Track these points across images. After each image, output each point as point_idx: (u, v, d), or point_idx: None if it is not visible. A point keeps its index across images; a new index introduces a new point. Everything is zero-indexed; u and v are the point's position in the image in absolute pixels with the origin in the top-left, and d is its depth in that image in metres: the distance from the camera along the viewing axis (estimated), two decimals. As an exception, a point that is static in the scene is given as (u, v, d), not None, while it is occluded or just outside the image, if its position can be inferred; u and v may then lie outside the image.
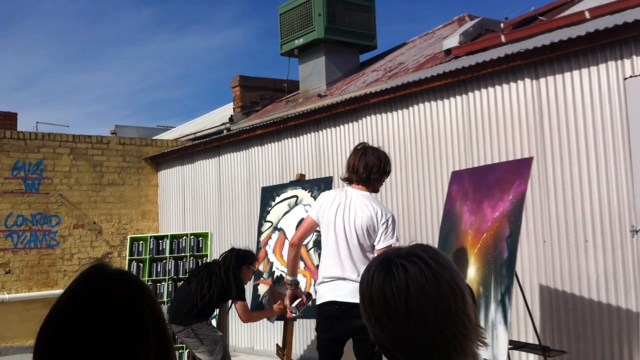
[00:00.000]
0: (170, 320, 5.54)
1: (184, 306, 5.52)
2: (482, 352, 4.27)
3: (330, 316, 4.22)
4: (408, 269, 1.24)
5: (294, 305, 4.85)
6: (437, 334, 1.21)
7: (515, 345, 4.77)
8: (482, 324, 4.22)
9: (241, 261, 5.71)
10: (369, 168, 4.17)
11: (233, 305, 5.70)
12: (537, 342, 4.69)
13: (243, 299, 5.60)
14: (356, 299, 4.09)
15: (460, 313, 1.23)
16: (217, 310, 6.47)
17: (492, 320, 4.19)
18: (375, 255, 4.05)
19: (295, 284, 4.78)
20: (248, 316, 5.71)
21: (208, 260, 8.50)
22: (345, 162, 4.42)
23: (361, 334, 4.04)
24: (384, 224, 4.10)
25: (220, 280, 5.56)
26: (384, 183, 4.40)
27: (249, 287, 5.95)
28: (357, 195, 4.23)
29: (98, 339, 1.07)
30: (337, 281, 4.18)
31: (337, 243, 4.21)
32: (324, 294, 4.26)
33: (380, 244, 4.10)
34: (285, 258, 6.17)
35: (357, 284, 4.24)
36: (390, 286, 1.23)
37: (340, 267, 4.17)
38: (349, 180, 4.30)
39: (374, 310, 1.26)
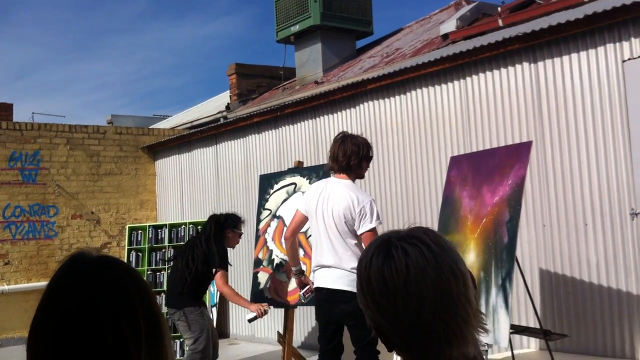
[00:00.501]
0: (165, 304, 5.52)
1: (175, 287, 5.48)
2: (484, 337, 4.29)
3: (320, 300, 4.50)
4: (408, 251, 1.21)
5: (302, 292, 4.93)
6: (437, 317, 1.18)
7: (517, 329, 4.78)
8: (483, 309, 4.23)
9: (222, 226, 5.56)
10: (347, 155, 4.33)
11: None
12: (538, 326, 4.70)
13: (223, 266, 5.40)
14: (338, 286, 4.30)
15: (461, 297, 1.20)
16: (212, 288, 6.28)
17: (493, 305, 4.19)
18: (357, 241, 4.24)
19: (301, 272, 4.93)
20: (224, 288, 5.45)
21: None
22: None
23: (351, 318, 4.20)
24: (360, 210, 4.24)
25: (202, 250, 5.41)
26: (368, 169, 4.55)
27: (247, 275, 5.92)
28: (336, 184, 4.41)
29: (85, 327, 1.04)
30: (322, 269, 4.43)
31: (319, 233, 4.42)
32: (315, 281, 4.54)
33: (360, 230, 4.25)
34: (284, 246, 6.17)
35: (340, 271, 4.33)
36: (389, 268, 1.20)
37: (323, 256, 4.41)
38: (331, 169, 4.48)
39: (372, 292, 1.23)
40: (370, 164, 6.97)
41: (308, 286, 4.91)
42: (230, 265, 5.68)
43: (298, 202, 5.07)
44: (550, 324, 5.24)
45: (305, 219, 4.64)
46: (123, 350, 1.05)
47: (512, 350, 4.61)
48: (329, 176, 5.56)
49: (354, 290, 4.65)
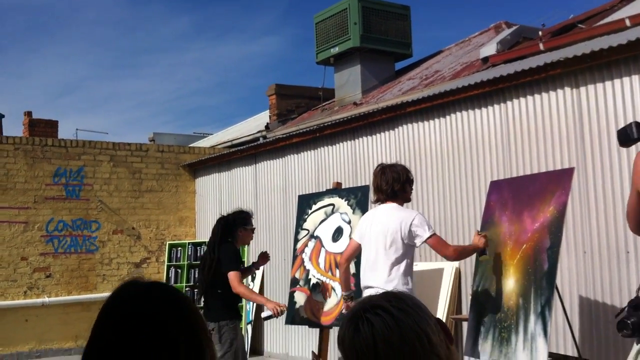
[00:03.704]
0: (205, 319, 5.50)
1: (206, 301, 5.50)
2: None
3: None
4: (373, 323, 1.31)
5: None
6: None
7: (555, 357, 4.73)
8: (521, 336, 4.20)
9: (231, 227, 5.48)
10: (390, 184, 4.61)
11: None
12: (576, 355, 4.63)
13: (233, 268, 5.30)
14: None
15: (428, 354, 1.30)
16: (248, 306, 6.18)
17: (531, 332, 4.16)
18: (405, 260, 4.47)
19: (350, 297, 5.10)
20: (239, 288, 5.35)
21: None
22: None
23: None
24: (411, 225, 4.50)
25: (215, 258, 5.35)
26: (412, 191, 4.84)
27: (284, 295, 5.93)
28: (383, 209, 4.67)
29: (128, 351, 1.15)
30: (368, 289, 4.61)
31: (369, 254, 4.69)
32: None
33: (418, 242, 4.53)
34: (321, 266, 6.20)
35: (383, 289, 4.38)
36: (359, 342, 1.31)
37: (368, 277, 4.64)
38: (377, 200, 4.74)
39: None
40: (410, 186, 7.01)
41: None
42: (242, 263, 5.63)
43: (353, 231, 5.40)
44: (589, 353, 5.16)
45: (358, 247, 4.87)
46: None
47: (550, 378, 4.55)
48: (368, 197, 5.66)
49: None
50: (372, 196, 4.88)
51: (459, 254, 4.73)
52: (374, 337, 1.31)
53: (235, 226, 5.53)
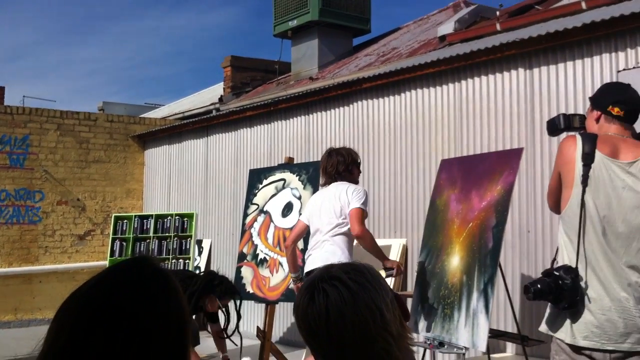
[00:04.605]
0: None
1: None
2: (463, 340, 4.22)
3: None
4: (329, 294, 1.31)
5: None
6: (358, 354, 1.29)
7: (495, 333, 4.77)
8: (463, 312, 4.20)
9: (208, 290, 5.33)
10: (334, 166, 4.70)
11: None
12: (516, 332, 4.68)
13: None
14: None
15: (380, 331, 1.30)
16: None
17: (473, 309, 4.17)
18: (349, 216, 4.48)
19: (300, 278, 5.04)
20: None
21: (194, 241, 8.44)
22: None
23: None
24: (352, 192, 4.55)
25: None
26: (360, 173, 4.86)
27: (231, 269, 5.85)
28: (331, 188, 4.72)
29: (97, 326, 1.03)
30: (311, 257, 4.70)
31: (314, 228, 4.73)
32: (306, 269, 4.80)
33: (350, 206, 4.49)
34: (270, 241, 6.13)
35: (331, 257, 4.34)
36: (312, 312, 1.32)
37: (316, 257, 4.63)
38: (325, 183, 4.81)
39: (303, 334, 1.36)
40: (362, 162, 6.95)
41: None
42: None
43: (303, 206, 5.46)
44: (528, 330, 5.21)
45: (306, 228, 4.87)
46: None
47: (489, 354, 4.60)
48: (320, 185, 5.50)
49: None
50: (320, 179, 4.93)
51: (369, 239, 4.45)
52: (328, 308, 1.30)
53: (210, 291, 5.33)
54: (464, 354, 4.49)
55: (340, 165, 4.69)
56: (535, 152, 5.51)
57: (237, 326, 5.40)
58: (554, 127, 3.05)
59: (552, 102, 5.47)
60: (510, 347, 5.48)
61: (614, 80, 5.03)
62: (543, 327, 2.80)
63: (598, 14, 5.31)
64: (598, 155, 2.68)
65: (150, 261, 1.14)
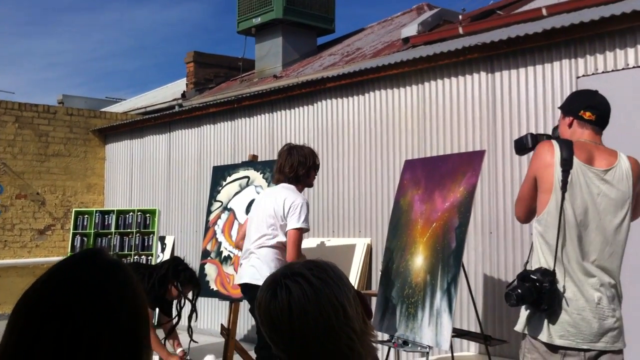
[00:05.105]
0: None
1: None
2: (426, 339, 4.29)
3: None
4: (291, 290, 1.32)
5: None
6: (321, 350, 1.30)
7: (458, 333, 4.86)
8: (427, 311, 4.29)
9: (174, 275, 5.32)
10: (294, 167, 4.42)
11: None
12: (479, 331, 4.78)
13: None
14: (249, 280, 4.37)
15: (343, 327, 1.31)
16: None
17: (437, 308, 4.25)
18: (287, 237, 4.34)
19: None
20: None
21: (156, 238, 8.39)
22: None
23: None
24: (290, 207, 4.32)
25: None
26: (316, 176, 4.64)
27: (194, 265, 5.83)
28: (278, 188, 4.50)
29: (51, 319, 1.00)
30: (243, 262, 4.60)
31: (250, 227, 4.57)
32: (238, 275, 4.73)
33: (287, 227, 4.33)
34: (234, 239, 6.14)
35: (254, 267, 4.27)
36: (275, 307, 1.32)
37: (248, 251, 4.52)
38: (278, 181, 4.54)
39: (266, 330, 1.36)
40: (325, 163, 7.02)
41: None
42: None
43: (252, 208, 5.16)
44: (491, 330, 5.34)
45: None
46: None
47: (452, 353, 4.69)
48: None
49: (255, 283, 4.60)
50: (274, 175, 4.66)
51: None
52: (290, 304, 1.31)
53: (175, 277, 5.30)
54: (427, 353, 4.57)
55: (301, 168, 4.43)
56: (497, 154, 5.65)
57: (190, 320, 5.36)
58: (522, 146, 3.08)
59: (513, 106, 5.60)
60: (474, 347, 5.60)
61: (574, 86, 5.19)
62: (519, 327, 2.86)
63: (558, 21, 5.46)
64: (575, 161, 2.75)
65: (100, 253, 1.11)
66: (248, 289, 4.47)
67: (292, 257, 4.26)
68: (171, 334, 5.56)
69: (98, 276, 1.06)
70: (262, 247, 4.40)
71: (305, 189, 4.68)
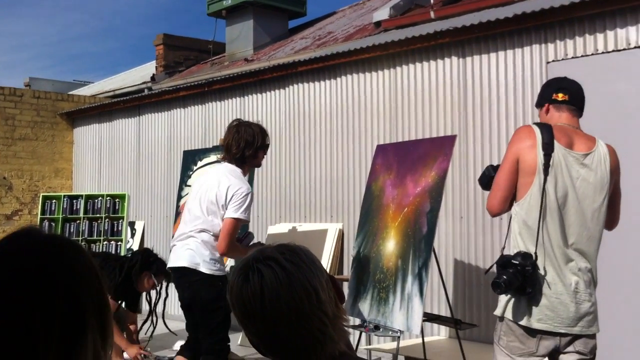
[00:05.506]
0: None
1: None
2: (398, 323, 4.30)
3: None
4: (264, 274, 1.31)
5: None
6: (294, 333, 1.30)
7: (429, 317, 4.89)
8: (398, 296, 4.31)
9: (146, 267, 5.29)
10: (241, 148, 4.13)
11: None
12: (449, 315, 4.82)
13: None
14: (181, 263, 4.08)
15: (315, 311, 1.31)
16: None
17: (408, 293, 4.27)
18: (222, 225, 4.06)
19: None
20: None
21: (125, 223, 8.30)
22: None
23: (196, 302, 4.16)
24: (233, 195, 4.04)
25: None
26: (265, 157, 4.35)
27: (165, 251, 5.77)
28: (222, 169, 4.19)
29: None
30: (175, 245, 4.25)
31: (190, 212, 4.21)
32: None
33: (225, 215, 4.05)
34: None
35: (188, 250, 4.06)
36: (247, 292, 1.31)
37: (182, 254, 4.16)
38: (224, 160, 4.24)
39: (238, 315, 1.35)
40: (298, 146, 7.00)
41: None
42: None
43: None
44: (461, 314, 5.39)
45: None
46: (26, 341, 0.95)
47: (423, 337, 4.72)
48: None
49: (194, 267, 4.14)
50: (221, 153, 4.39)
51: (227, 251, 4.13)
52: (262, 288, 1.30)
53: (147, 268, 5.28)
54: (398, 337, 4.59)
55: (248, 148, 4.13)
56: (468, 139, 5.67)
57: (155, 307, 5.36)
58: (486, 178, 3.02)
59: (484, 90, 5.62)
60: (444, 331, 5.65)
61: (544, 70, 5.22)
62: (498, 311, 2.87)
63: (529, 6, 5.47)
64: (556, 144, 2.76)
65: (37, 230, 1.06)
66: (184, 273, 4.12)
67: (222, 247, 4.03)
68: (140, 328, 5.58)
69: (31, 252, 1.01)
70: (203, 231, 4.09)
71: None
